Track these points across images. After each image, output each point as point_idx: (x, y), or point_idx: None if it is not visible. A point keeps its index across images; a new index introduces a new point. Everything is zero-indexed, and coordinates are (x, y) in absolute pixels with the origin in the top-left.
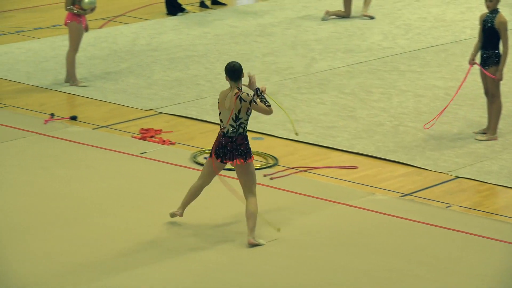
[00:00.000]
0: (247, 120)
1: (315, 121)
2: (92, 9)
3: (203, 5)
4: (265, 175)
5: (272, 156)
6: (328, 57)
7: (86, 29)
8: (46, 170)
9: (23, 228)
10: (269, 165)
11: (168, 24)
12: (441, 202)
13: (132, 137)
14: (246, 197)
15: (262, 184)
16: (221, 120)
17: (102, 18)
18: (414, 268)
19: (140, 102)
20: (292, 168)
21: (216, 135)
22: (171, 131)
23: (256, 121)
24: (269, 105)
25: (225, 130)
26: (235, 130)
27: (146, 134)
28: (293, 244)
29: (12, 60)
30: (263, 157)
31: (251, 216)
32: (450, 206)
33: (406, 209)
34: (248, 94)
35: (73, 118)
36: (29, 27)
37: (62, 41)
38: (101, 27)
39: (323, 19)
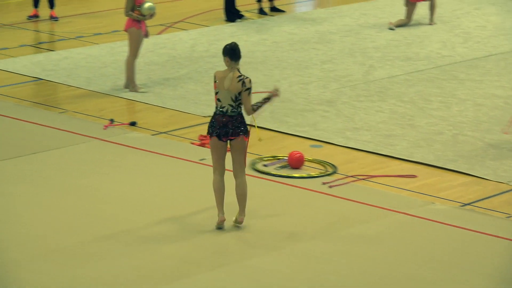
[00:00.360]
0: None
1: (373, 129)
2: (152, 15)
3: (261, 11)
4: (324, 183)
5: (331, 164)
6: (387, 65)
7: (146, 35)
8: (105, 175)
9: (82, 231)
10: (328, 173)
11: (227, 30)
12: (501, 212)
13: (191, 143)
14: (237, 175)
15: (321, 192)
16: (218, 100)
17: (161, 24)
18: (477, 280)
19: (198, 108)
20: (351, 176)
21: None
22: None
23: (314, 129)
24: (255, 110)
25: (224, 110)
26: (234, 110)
27: (205, 141)
28: (352, 253)
29: (72, 65)
30: (322, 165)
31: (244, 195)
32: (510, 216)
33: (465, 219)
34: (250, 80)
35: (133, 124)
36: (89, 33)
37: (121, 47)
38: (160, 33)
39: (390, 29)
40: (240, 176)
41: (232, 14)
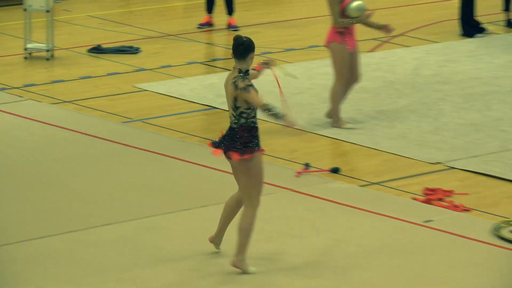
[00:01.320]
0: (249, 109)
1: None
2: (362, 20)
3: (510, 24)
4: None
5: None
6: None
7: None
8: (297, 238)
9: None
10: None
11: (463, 48)
12: None
13: (413, 198)
14: (242, 205)
15: None
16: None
17: (374, 39)
18: None
19: (424, 152)
20: None
21: None
22: (466, 193)
23: None
24: (269, 109)
25: (230, 120)
26: (236, 120)
27: (432, 196)
28: None
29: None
30: None
31: (243, 231)
32: None
33: None
34: (244, 79)
35: (334, 170)
36: (278, 48)
37: (320, 67)
38: (373, 50)
39: None
40: (244, 206)
41: (470, 26)
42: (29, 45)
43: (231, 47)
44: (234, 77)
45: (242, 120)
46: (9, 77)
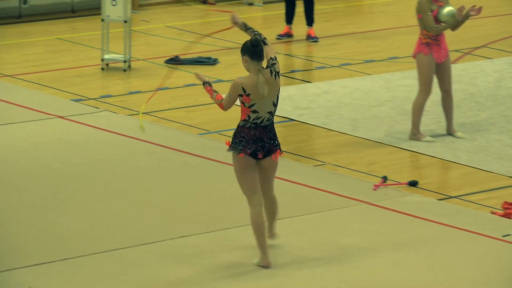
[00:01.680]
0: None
1: None
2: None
3: None
4: None
5: None
6: None
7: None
8: (372, 251)
9: None
10: None
11: None
12: None
13: (492, 212)
14: (268, 195)
15: None
16: (254, 111)
17: (456, 50)
18: None
19: (504, 165)
20: None
21: None
22: None
23: None
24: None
25: (259, 121)
26: (271, 117)
27: (511, 210)
28: None
29: (333, 102)
30: None
31: (276, 212)
32: None
33: None
34: (275, 64)
35: (413, 183)
36: (358, 59)
37: (400, 79)
38: (454, 62)
39: None
40: (270, 195)
41: None
42: (106, 56)
43: (310, 58)
44: (270, 71)
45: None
46: (86, 88)
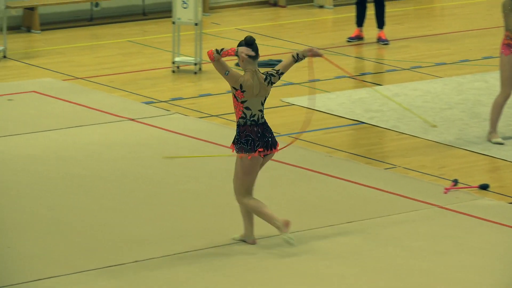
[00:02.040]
0: None
1: None
2: None
3: None
4: None
5: None
6: None
7: None
8: (442, 255)
9: None
10: None
11: None
12: None
13: None
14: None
15: None
16: (247, 108)
17: None
18: None
19: None
20: None
21: None
22: None
23: None
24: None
25: (255, 118)
26: (263, 114)
27: None
28: None
29: (405, 105)
30: None
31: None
32: None
33: None
34: (272, 74)
35: (484, 187)
36: (429, 62)
37: (471, 83)
38: None
39: None
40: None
41: None
42: (177, 59)
43: (381, 61)
44: (265, 78)
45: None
46: (157, 90)
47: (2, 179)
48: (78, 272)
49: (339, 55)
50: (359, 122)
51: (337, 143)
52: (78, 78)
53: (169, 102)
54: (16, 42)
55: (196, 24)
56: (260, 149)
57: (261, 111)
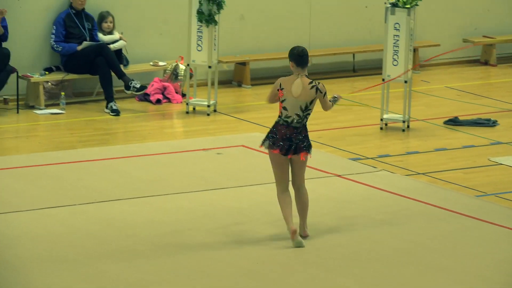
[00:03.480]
0: (311, 110)
1: None
2: None
3: None
4: None
5: None
6: None
7: None
8: None
9: None
10: None
11: None
12: None
13: None
14: (298, 188)
15: None
16: (285, 108)
17: None
18: None
19: None
20: None
21: None
22: None
23: None
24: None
25: (289, 120)
26: (300, 120)
27: None
28: None
29: None
30: None
31: (307, 204)
32: None
33: None
34: (323, 85)
35: None
36: None
37: None
38: None
39: None
40: (300, 187)
41: None
42: (385, 116)
43: None
44: (311, 83)
45: (305, 120)
46: (364, 147)
47: (208, 228)
48: None
49: None
50: None
51: None
52: None
53: (376, 159)
54: (227, 97)
55: (405, 82)
56: (274, 150)
57: (299, 116)
